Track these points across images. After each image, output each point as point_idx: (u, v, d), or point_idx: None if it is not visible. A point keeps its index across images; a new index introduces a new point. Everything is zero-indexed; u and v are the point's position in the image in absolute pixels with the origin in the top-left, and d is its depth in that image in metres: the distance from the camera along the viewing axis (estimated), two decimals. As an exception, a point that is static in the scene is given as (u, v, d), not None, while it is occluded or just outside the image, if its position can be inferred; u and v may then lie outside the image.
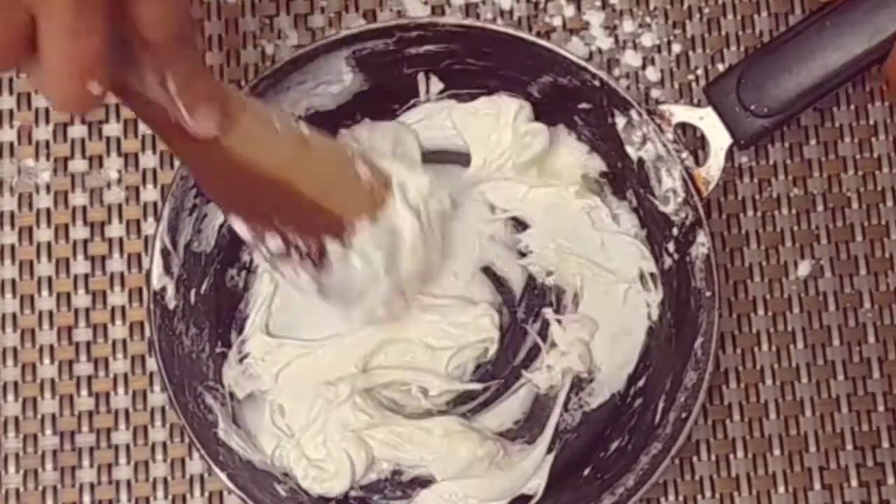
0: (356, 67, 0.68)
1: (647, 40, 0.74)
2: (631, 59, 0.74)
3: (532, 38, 0.67)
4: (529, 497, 0.68)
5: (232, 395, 0.68)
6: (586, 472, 0.68)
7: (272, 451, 0.68)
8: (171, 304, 0.66)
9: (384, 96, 0.71)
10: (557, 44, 0.71)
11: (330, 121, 0.70)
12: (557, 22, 0.74)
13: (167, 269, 0.66)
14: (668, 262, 0.69)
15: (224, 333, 0.70)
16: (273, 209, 0.61)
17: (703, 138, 0.68)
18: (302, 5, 0.74)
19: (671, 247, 0.68)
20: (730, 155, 0.67)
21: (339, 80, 0.69)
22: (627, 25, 0.74)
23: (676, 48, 0.74)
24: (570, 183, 0.70)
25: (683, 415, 0.65)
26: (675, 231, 0.67)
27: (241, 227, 0.61)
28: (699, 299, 0.66)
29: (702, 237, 0.66)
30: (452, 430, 0.68)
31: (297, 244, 0.61)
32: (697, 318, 0.66)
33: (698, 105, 0.69)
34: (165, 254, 0.66)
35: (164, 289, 0.66)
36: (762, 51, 0.68)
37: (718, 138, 0.67)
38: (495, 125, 0.70)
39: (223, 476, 0.64)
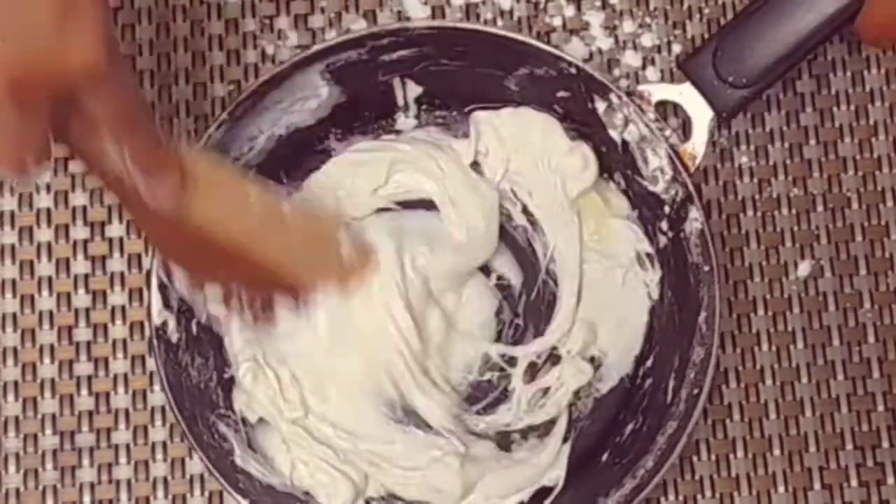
0: (331, 80, 0.69)
1: (647, 41, 0.74)
2: (631, 59, 0.74)
3: (502, 31, 0.68)
4: (551, 489, 0.68)
5: (244, 420, 0.68)
6: (604, 457, 0.69)
7: (290, 472, 0.68)
8: (174, 338, 0.66)
9: (363, 106, 0.71)
10: (557, 44, 0.71)
11: (310, 136, 0.70)
12: (557, 22, 0.74)
13: (166, 303, 0.66)
14: (662, 240, 0.69)
15: (229, 360, 0.69)
16: (224, 268, 0.65)
17: (684, 115, 0.68)
18: (302, 6, 0.74)
19: (664, 225, 0.68)
20: (728, 151, 0.67)
21: (315, 95, 0.69)
22: (627, 26, 0.74)
23: (676, 48, 0.74)
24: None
25: (695, 391, 0.65)
26: (666, 209, 0.68)
27: (179, 276, 0.66)
28: (698, 274, 0.66)
29: (694, 213, 0.66)
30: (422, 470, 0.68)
31: (240, 296, 0.66)
32: (698, 293, 0.66)
33: (677, 82, 0.69)
34: (163, 288, 0.66)
35: (165, 323, 0.66)
36: (734, 21, 0.68)
37: (700, 113, 0.68)
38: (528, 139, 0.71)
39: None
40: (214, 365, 0.69)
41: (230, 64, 0.73)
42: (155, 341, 0.65)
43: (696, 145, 0.67)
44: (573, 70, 0.67)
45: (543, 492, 0.68)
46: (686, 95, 0.68)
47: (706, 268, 0.66)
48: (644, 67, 0.74)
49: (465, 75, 0.70)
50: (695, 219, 0.66)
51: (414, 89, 0.71)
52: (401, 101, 0.72)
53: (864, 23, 0.67)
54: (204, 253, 0.63)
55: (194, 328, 0.68)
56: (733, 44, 0.67)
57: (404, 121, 0.72)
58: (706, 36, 0.74)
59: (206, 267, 0.65)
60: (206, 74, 0.73)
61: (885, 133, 0.74)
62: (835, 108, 0.74)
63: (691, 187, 0.66)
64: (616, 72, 0.74)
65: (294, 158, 0.71)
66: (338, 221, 0.67)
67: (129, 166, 0.57)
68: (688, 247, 0.67)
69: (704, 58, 0.68)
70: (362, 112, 0.71)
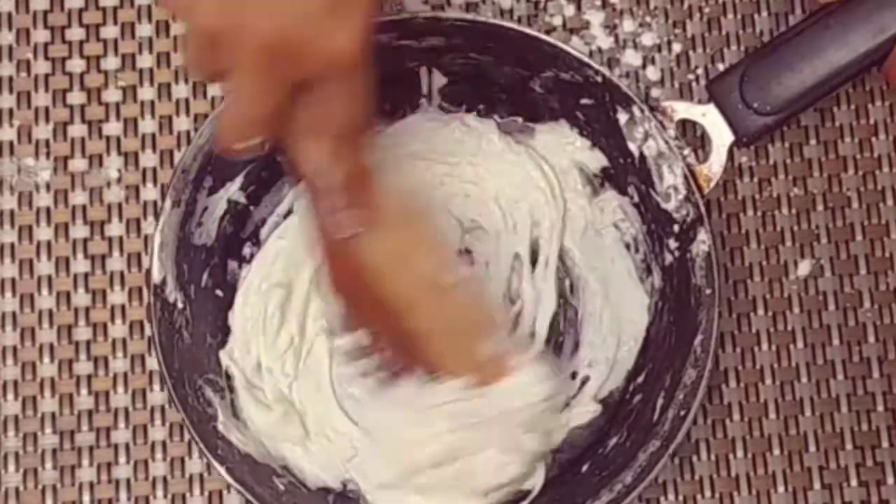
0: (358, 62, 0.68)
1: (648, 40, 0.74)
2: (631, 58, 0.74)
3: (535, 33, 0.67)
4: (527, 493, 0.68)
5: (231, 388, 0.68)
6: (584, 468, 0.68)
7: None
8: (171, 298, 0.66)
9: (387, 91, 0.70)
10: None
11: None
12: (558, 21, 0.74)
13: (167, 262, 0.66)
14: (668, 258, 0.69)
15: (223, 326, 0.70)
16: (372, 314, 0.63)
17: (704, 135, 0.68)
18: (302, 4, 0.74)
19: (672, 243, 0.68)
20: (730, 153, 0.67)
21: None
22: (628, 25, 0.74)
23: (677, 48, 0.74)
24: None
25: (682, 412, 0.65)
26: (675, 228, 0.67)
27: (341, 309, 0.64)
28: (699, 297, 0.66)
29: (703, 235, 0.66)
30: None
31: (383, 354, 0.64)
32: (697, 315, 0.66)
33: (701, 102, 0.69)
34: (165, 247, 0.66)
35: (164, 282, 0.66)
36: (765, 48, 0.68)
37: (720, 136, 0.67)
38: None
39: (222, 470, 0.64)
40: (208, 330, 0.69)
41: (230, 63, 0.73)
42: (152, 299, 0.65)
43: (714, 167, 0.67)
44: (599, 79, 0.67)
45: (519, 496, 0.68)
46: (709, 117, 0.68)
47: (708, 291, 0.65)
48: (644, 67, 0.74)
49: (492, 71, 0.70)
50: (703, 241, 0.66)
51: (439, 79, 0.71)
52: (425, 90, 0.71)
53: (891, 66, 0.67)
54: (361, 292, 0.62)
55: (192, 291, 0.68)
56: (762, 71, 0.67)
57: (426, 109, 0.72)
58: (706, 35, 0.74)
59: (359, 305, 0.64)
60: (206, 74, 0.73)
61: (886, 132, 0.74)
62: (835, 108, 0.74)
63: (703, 209, 0.66)
64: (616, 71, 0.74)
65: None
66: (493, 319, 0.65)
67: (333, 176, 0.57)
68: (692, 268, 0.66)
69: (731, 81, 0.67)
70: (386, 96, 0.71)
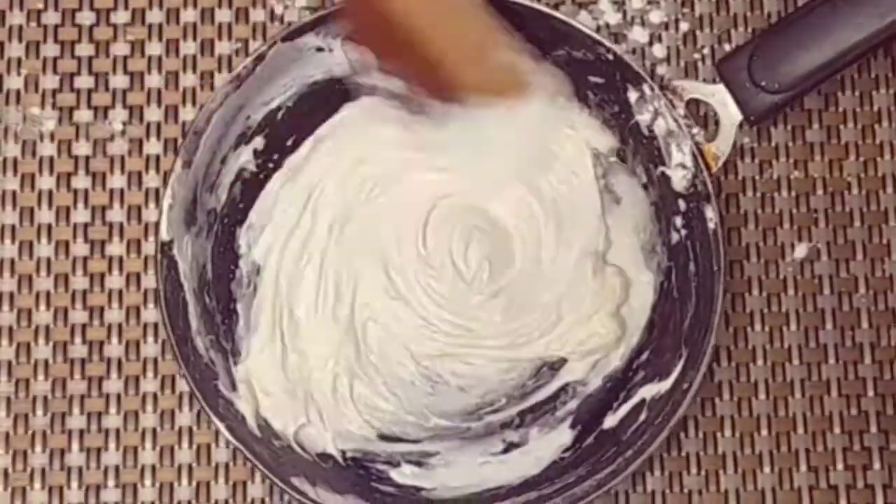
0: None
1: (656, 17, 0.74)
2: (638, 35, 0.74)
3: (547, 10, 0.68)
4: None
5: (234, 353, 0.68)
6: (589, 440, 0.69)
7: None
8: (178, 258, 0.67)
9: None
10: (566, 18, 0.71)
11: (345, 86, 0.70)
12: (566, -5, 0.74)
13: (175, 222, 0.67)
14: (674, 237, 0.69)
15: (227, 287, 0.70)
16: (399, 57, 0.67)
17: (713, 114, 0.68)
18: (313, -33, 0.75)
19: (678, 222, 0.68)
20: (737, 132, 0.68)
21: None
22: (636, 1, 0.74)
23: (684, 26, 0.74)
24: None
25: (684, 386, 0.65)
26: (682, 206, 0.68)
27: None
28: (705, 274, 0.66)
29: (710, 212, 0.66)
30: None
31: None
32: (702, 292, 0.66)
33: (710, 81, 0.69)
34: (174, 208, 0.66)
35: (171, 241, 0.66)
36: (775, 27, 0.68)
37: (729, 114, 0.68)
38: None
39: (222, 427, 0.65)
40: (215, 292, 0.69)
41: (238, 22, 0.74)
42: (158, 256, 0.66)
43: (722, 146, 0.67)
44: (610, 56, 0.67)
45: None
46: (718, 96, 0.68)
47: (714, 268, 0.66)
48: (651, 44, 0.74)
49: None
50: (710, 218, 0.66)
51: None
52: None
53: None
54: (383, 35, 0.66)
55: None
56: (771, 49, 0.67)
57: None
58: (714, 15, 0.74)
59: (383, 48, 0.67)
60: (214, 31, 0.74)
61: (889, 120, 0.73)
62: (839, 93, 0.74)
63: (710, 187, 0.66)
64: (623, 47, 0.74)
65: (325, 106, 0.71)
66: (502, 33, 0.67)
67: None
68: (699, 246, 0.67)
69: (740, 60, 0.68)
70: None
